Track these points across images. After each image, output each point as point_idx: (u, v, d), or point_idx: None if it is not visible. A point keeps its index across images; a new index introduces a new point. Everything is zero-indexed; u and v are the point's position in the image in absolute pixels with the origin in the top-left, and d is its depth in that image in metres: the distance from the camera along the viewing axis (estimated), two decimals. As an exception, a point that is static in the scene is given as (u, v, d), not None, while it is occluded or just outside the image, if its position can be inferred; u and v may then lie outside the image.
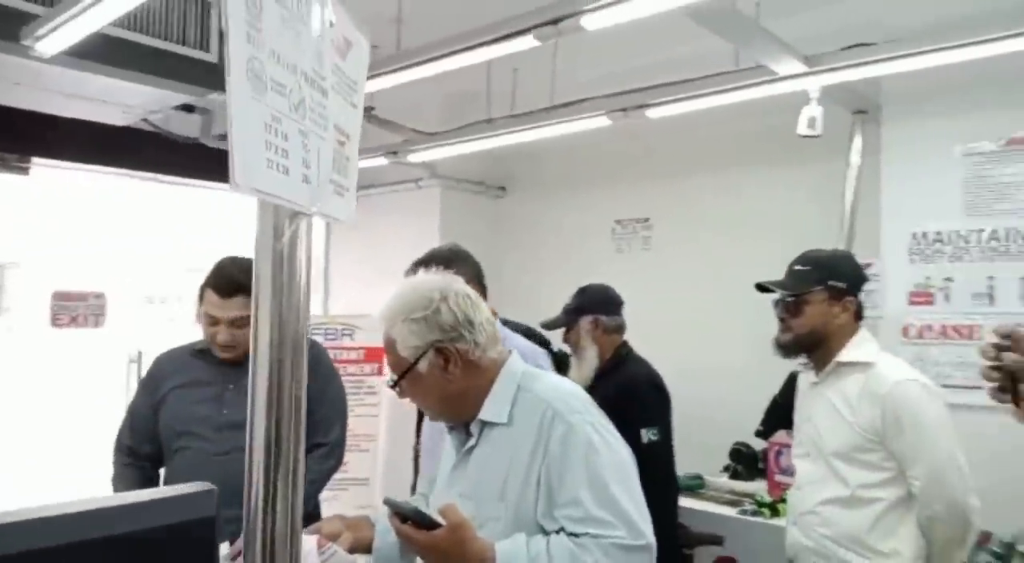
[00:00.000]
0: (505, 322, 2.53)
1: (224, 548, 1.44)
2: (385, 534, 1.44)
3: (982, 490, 1.87)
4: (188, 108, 3.55)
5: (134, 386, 3.73)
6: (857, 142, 3.16)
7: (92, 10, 2.18)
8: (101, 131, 3.73)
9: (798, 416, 2.19)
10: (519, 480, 1.32)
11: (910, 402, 1.86)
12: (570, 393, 1.40)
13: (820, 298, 2.04)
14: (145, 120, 3.61)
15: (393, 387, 1.42)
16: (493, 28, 2.36)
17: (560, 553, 1.24)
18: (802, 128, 2.71)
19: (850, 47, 2.51)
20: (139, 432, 2.26)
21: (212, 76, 3.08)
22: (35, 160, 3.99)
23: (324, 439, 2.29)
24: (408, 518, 1.27)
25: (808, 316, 2.04)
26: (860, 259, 2.36)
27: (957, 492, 1.84)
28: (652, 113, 2.99)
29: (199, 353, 2.28)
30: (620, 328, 2.83)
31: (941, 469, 1.84)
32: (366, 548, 1.46)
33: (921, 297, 2.95)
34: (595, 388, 2.58)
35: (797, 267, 2.12)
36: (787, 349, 2.10)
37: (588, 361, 2.75)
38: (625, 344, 2.81)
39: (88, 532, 0.63)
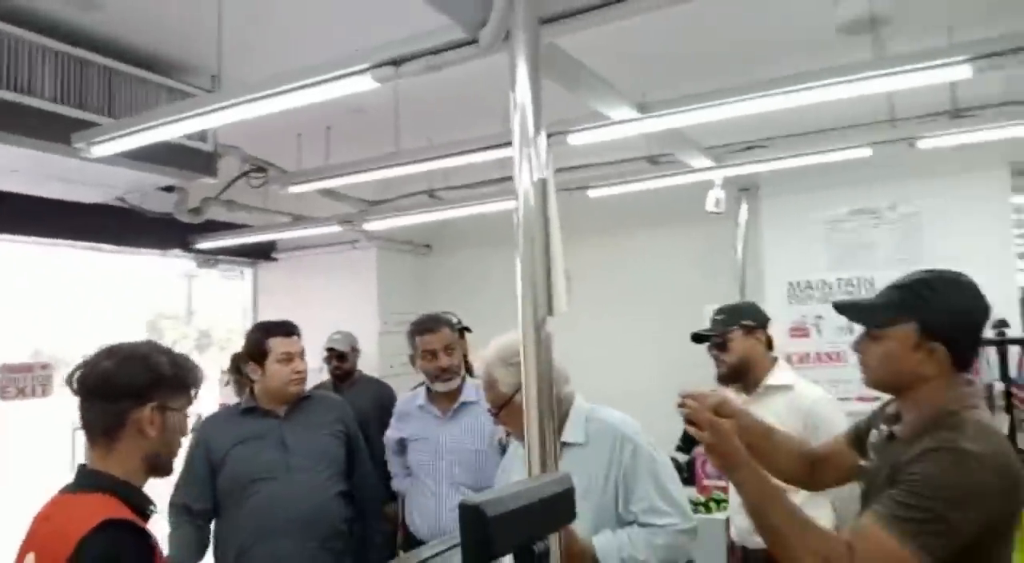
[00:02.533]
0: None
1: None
2: None
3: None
4: (169, 188, 3.83)
5: (79, 454, 3.87)
6: (743, 211, 4.04)
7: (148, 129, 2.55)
8: (61, 207, 3.91)
9: None
10: (599, 485, 1.89)
11: (825, 414, 2.60)
12: (626, 421, 1.99)
13: (738, 335, 2.73)
14: (120, 199, 3.84)
15: (495, 415, 1.95)
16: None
17: (637, 537, 1.83)
18: (710, 206, 3.50)
19: (747, 149, 3.34)
20: (197, 491, 2.58)
21: (207, 163, 3.45)
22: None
23: None
24: None
25: (732, 351, 2.73)
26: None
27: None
28: (592, 194, 3.68)
29: (248, 411, 2.66)
30: None
31: None
32: None
33: (799, 331, 3.83)
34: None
35: (716, 316, 2.82)
36: (725, 379, 2.75)
37: None
38: None
39: None
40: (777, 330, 3.85)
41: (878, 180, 3.75)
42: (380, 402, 3.86)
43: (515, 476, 2.08)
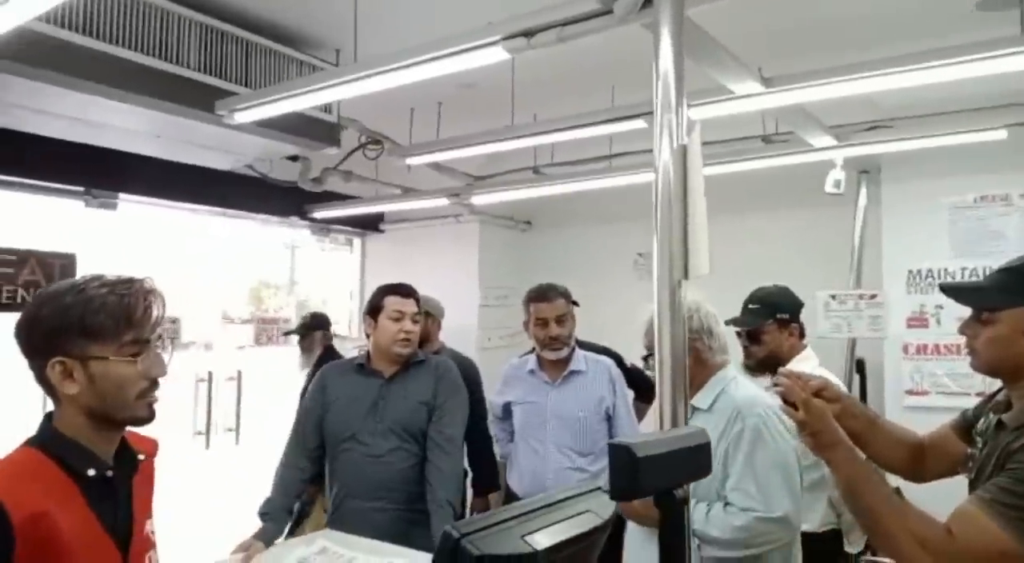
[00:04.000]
0: (581, 344, 3.12)
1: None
2: None
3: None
4: (293, 157, 4.05)
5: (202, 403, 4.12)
6: (862, 196, 3.90)
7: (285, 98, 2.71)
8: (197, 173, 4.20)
9: None
10: None
11: None
12: (754, 399, 1.98)
13: (772, 328, 2.66)
14: (250, 166, 4.09)
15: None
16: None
17: (716, 514, 1.84)
18: (829, 187, 3.40)
19: (870, 128, 3.22)
20: (311, 429, 2.67)
21: (331, 133, 3.62)
22: (123, 196, 4.38)
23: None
24: None
25: (764, 344, 2.66)
26: (865, 290, 3.06)
27: None
28: (706, 171, 3.62)
29: (359, 368, 2.72)
30: None
31: None
32: None
33: (917, 321, 3.68)
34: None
35: (751, 306, 2.73)
36: (752, 370, 2.67)
37: None
38: None
39: None
40: (894, 319, 3.74)
41: (1009, 166, 3.55)
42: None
43: None
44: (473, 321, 5.31)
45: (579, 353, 2.99)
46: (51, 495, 1.25)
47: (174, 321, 4.83)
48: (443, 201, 4.64)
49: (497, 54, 2.15)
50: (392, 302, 2.69)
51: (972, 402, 3.09)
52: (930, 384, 3.57)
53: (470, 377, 3.29)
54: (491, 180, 4.85)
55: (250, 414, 4.93)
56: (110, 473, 1.35)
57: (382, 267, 5.85)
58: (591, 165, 4.38)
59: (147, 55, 2.85)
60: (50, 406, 1.38)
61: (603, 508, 1.25)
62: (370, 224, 5.80)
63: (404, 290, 2.75)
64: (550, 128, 3.20)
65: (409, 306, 2.70)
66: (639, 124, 2.86)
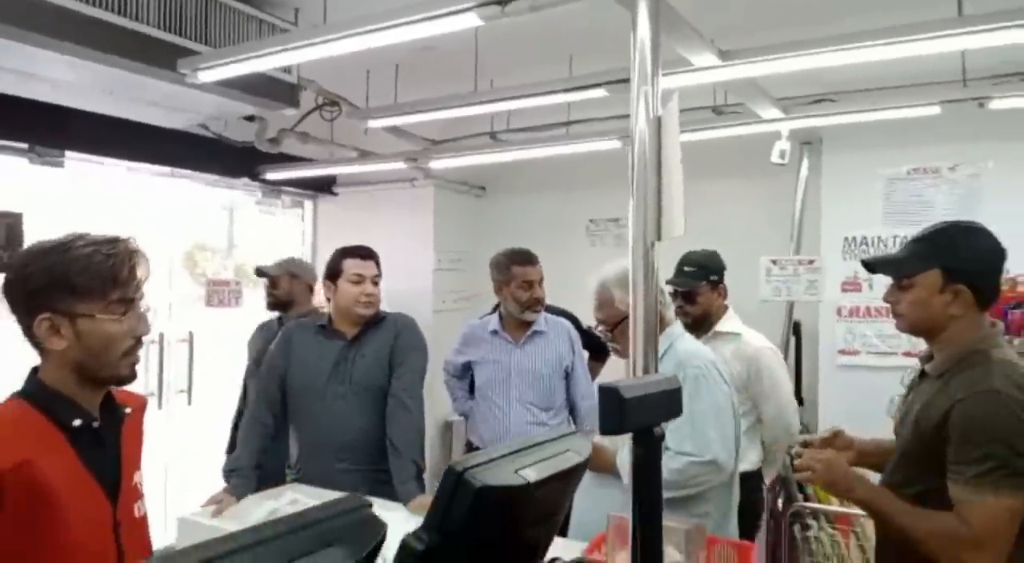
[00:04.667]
0: (547, 308, 3.25)
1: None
2: None
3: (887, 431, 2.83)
4: (250, 117, 4.00)
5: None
6: (804, 166, 4.10)
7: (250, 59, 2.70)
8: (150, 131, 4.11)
9: None
10: None
11: (766, 361, 2.82)
12: (695, 353, 2.15)
13: (705, 289, 2.93)
14: (203, 125, 4.02)
15: (610, 331, 2.12)
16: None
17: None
18: (775, 158, 3.57)
19: (814, 101, 3.39)
20: (274, 386, 2.72)
21: (291, 94, 3.60)
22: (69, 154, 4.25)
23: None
24: None
25: (699, 304, 2.93)
26: (804, 256, 3.28)
27: (792, 422, 2.82)
28: (658, 140, 3.76)
29: (321, 328, 2.76)
30: None
31: (784, 407, 2.81)
32: None
33: (851, 286, 3.93)
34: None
35: (686, 268, 2.98)
36: (687, 328, 2.92)
37: None
38: None
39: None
40: (829, 284, 3.98)
41: (942, 140, 3.79)
42: None
43: None
44: (428, 284, 5.38)
45: (541, 315, 3.12)
46: (39, 444, 1.31)
47: (238, 282, 4.81)
48: (400, 165, 4.66)
49: (470, 20, 2.20)
50: (351, 265, 2.71)
51: (898, 360, 3.42)
52: (861, 344, 3.84)
53: None
54: (448, 145, 4.89)
55: (202, 376, 4.90)
56: (96, 424, 1.40)
57: (334, 230, 5.84)
58: (548, 132, 4.46)
59: (104, 9, 2.79)
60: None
61: (582, 448, 1.38)
62: (322, 187, 5.77)
63: (363, 252, 2.77)
64: (514, 94, 3.27)
65: (369, 269, 2.73)
66: (600, 93, 2.95)
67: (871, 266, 1.80)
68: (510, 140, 4.59)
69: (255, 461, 2.62)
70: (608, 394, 1.11)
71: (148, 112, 3.84)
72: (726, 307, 2.98)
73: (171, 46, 2.99)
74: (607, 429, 1.14)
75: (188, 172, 4.75)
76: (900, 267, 1.72)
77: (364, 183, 5.64)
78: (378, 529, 1.04)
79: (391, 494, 2.48)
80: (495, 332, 3.12)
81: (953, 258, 1.62)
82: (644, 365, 1.41)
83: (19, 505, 1.21)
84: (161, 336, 4.74)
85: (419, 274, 5.37)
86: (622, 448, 1.99)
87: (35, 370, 1.40)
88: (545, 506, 1.31)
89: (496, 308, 3.34)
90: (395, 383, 2.64)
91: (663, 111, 1.48)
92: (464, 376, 3.26)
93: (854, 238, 3.94)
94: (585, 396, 3.10)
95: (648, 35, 1.52)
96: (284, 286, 3.72)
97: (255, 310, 4.39)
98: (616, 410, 1.12)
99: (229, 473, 2.55)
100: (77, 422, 1.37)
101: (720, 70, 2.64)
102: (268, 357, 2.84)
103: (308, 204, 6.01)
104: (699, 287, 2.90)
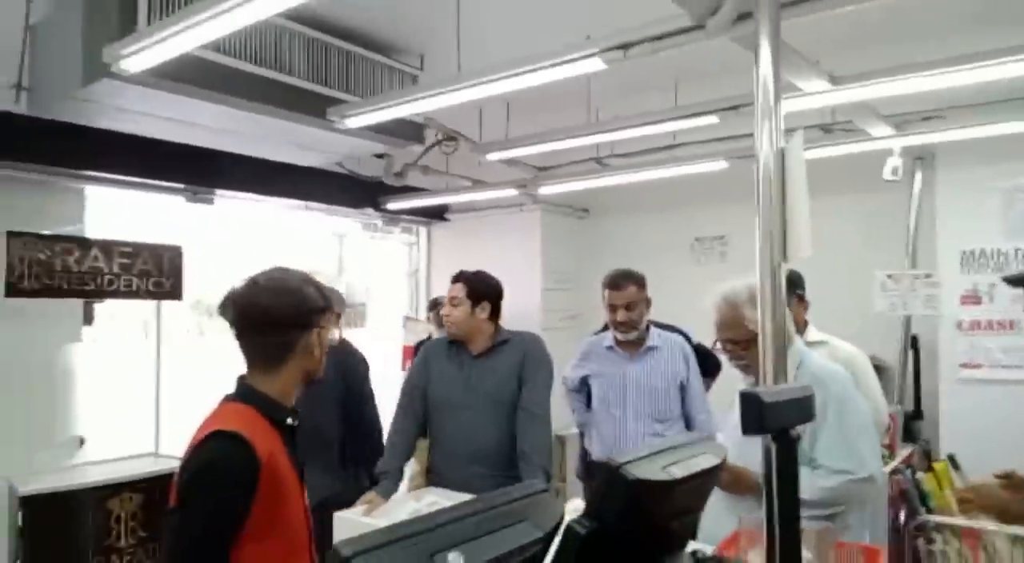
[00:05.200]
0: (656, 324, 3.39)
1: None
2: None
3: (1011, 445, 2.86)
4: (380, 155, 4.38)
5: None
6: (918, 180, 4.09)
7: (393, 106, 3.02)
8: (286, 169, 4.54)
9: None
10: None
11: (860, 365, 2.96)
12: (831, 370, 2.18)
13: (794, 302, 2.99)
14: (339, 163, 4.43)
15: (743, 350, 2.18)
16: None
17: (806, 476, 1.89)
18: (887, 174, 3.60)
19: (926, 119, 3.42)
20: (417, 396, 2.98)
21: (417, 132, 3.95)
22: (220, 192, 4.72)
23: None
24: None
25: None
26: (920, 270, 3.35)
27: (884, 423, 3.07)
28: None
29: (451, 344, 3.01)
30: None
31: (880, 410, 2.95)
32: None
33: (971, 299, 3.89)
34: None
35: None
36: None
37: None
38: None
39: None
40: (947, 297, 3.94)
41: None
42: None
43: None
44: (537, 303, 5.61)
45: (653, 331, 3.28)
46: (270, 439, 1.57)
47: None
48: (511, 192, 4.93)
49: (594, 65, 2.42)
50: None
51: (1018, 375, 3.43)
52: (984, 358, 3.78)
53: (359, 371, 3.44)
54: (556, 171, 5.12)
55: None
56: (295, 422, 1.67)
57: (447, 255, 6.18)
58: (651, 156, 4.61)
59: (265, 67, 3.19)
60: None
61: (718, 452, 1.55)
62: (436, 214, 6.12)
63: (453, 277, 3.00)
64: (627, 124, 3.46)
65: (450, 291, 2.95)
66: (712, 119, 3.11)
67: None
68: (614, 164, 4.77)
69: (401, 464, 2.90)
70: (751, 399, 1.28)
71: (290, 153, 4.26)
72: (806, 321, 3.11)
73: (318, 95, 3.37)
74: (750, 429, 1.30)
75: (319, 205, 5.17)
76: None
77: (475, 210, 5.95)
78: (558, 510, 1.25)
79: None
80: (610, 347, 3.30)
81: None
82: (775, 377, 1.56)
83: (266, 493, 1.48)
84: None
85: (529, 294, 5.61)
86: None
87: (244, 379, 1.64)
88: (686, 501, 1.49)
89: (606, 325, 3.51)
90: (524, 396, 2.86)
91: (789, 144, 1.64)
92: (581, 390, 3.44)
93: (972, 251, 3.90)
94: (700, 411, 3.22)
95: (770, 72, 1.68)
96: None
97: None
98: (757, 413, 1.28)
99: (381, 475, 2.83)
100: (289, 421, 1.64)
101: (833, 94, 2.75)
102: (409, 373, 3.13)
103: (421, 230, 6.38)
104: (790, 300, 3.00)
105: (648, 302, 3.28)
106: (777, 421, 1.33)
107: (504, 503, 1.13)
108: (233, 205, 4.91)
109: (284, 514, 1.52)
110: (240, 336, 1.62)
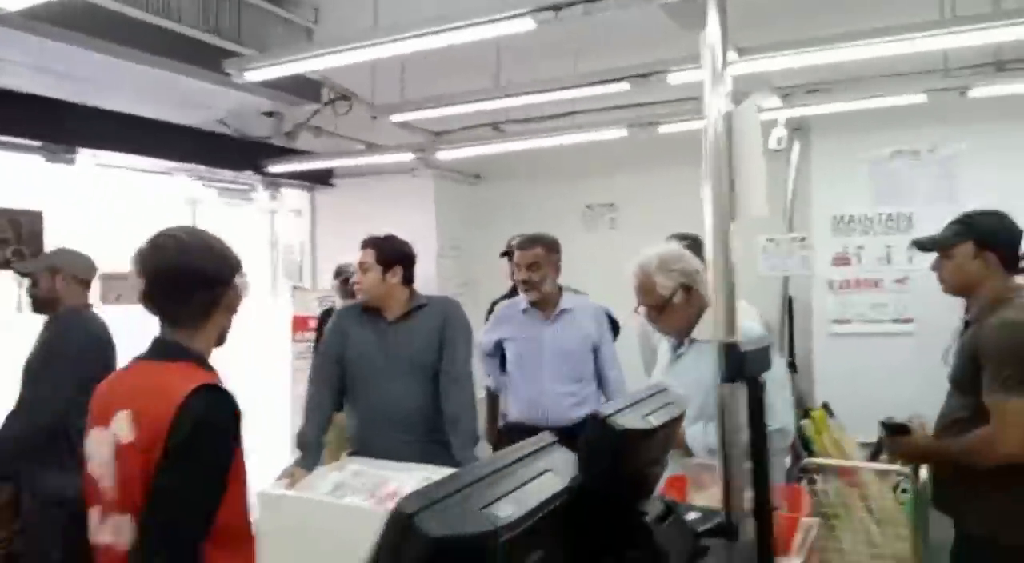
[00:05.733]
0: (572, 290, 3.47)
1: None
2: None
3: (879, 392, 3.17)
4: (269, 113, 4.12)
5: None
6: (795, 151, 4.40)
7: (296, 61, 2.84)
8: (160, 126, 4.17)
9: None
10: (707, 383, 2.20)
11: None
12: (746, 326, 2.32)
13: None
14: (221, 121, 4.12)
15: (656, 315, 2.30)
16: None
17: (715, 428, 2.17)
18: (772, 144, 3.84)
19: (809, 92, 3.67)
20: (335, 370, 2.88)
21: (313, 90, 3.74)
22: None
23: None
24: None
25: None
26: (796, 234, 3.62)
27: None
28: (662, 129, 4.01)
29: (365, 310, 2.94)
30: None
31: None
32: None
33: (841, 260, 4.26)
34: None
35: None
36: None
37: None
38: None
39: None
40: (820, 258, 4.29)
41: (923, 125, 4.11)
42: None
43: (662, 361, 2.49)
44: (432, 271, 5.54)
45: (566, 293, 3.34)
46: None
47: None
48: (407, 156, 4.81)
49: (525, 24, 2.39)
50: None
51: (888, 328, 3.83)
52: (852, 314, 4.16)
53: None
54: (453, 136, 5.05)
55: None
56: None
57: (333, 221, 5.96)
58: (551, 122, 4.66)
59: (151, 13, 2.90)
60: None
61: (681, 402, 1.61)
62: (320, 179, 5.87)
63: (363, 242, 2.94)
64: (533, 89, 3.46)
65: (360, 257, 2.89)
66: (623, 86, 3.17)
67: (922, 245, 2.24)
68: (512, 130, 4.77)
69: (321, 435, 2.80)
70: (732, 351, 1.36)
71: (169, 109, 3.93)
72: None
73: (208, 46, 3.12)
74: (731, 377, 1.37)
75: (191, 166, 4.79)
76: (942, 243, 2.19)
77: (363, 174, 5.76)
78: (572, 461, 1.27)
79: (448, 460, 2.66)
80: (525, 311, 3.33)
81: (980, 232, 2.11)
82: (726, 334, 1.63)
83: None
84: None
85: (423, 261, 5.49)
86: (689, 426, 2.17)
87: (163, 340, 1.60)
88: (660, 449, 1.55)
89: (513, 289, 3.56)
90: (447, 360, 2.84)
91: (742, 107, 1.70)
92: (495, 354, 3.46)
93: (842, 216, 4.26)
94: (612, 367, 3.34)
95: (718, 35, 1.73)
96: (45, 284, 2.98)
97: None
98: (737, 363, 1.36)
99: (300, 447, 2.73)
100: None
101: (736, 65, 2.87)
102: (324, 340, 3.01)
103: (305, 195, 6.08)
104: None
105: (556, 266, 3.33)
106: (751, 369, 1.41)
107: (527, 456, 1.14)
108: (100, 168, 4.47)
109: (243, 461, 1.57)
110: (166, 295, 1.58)
